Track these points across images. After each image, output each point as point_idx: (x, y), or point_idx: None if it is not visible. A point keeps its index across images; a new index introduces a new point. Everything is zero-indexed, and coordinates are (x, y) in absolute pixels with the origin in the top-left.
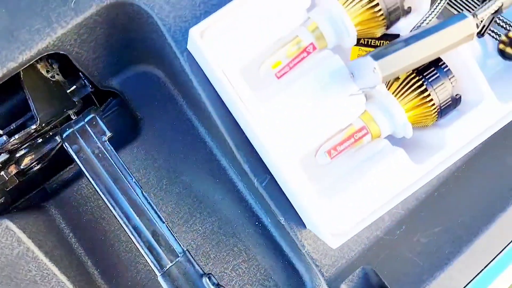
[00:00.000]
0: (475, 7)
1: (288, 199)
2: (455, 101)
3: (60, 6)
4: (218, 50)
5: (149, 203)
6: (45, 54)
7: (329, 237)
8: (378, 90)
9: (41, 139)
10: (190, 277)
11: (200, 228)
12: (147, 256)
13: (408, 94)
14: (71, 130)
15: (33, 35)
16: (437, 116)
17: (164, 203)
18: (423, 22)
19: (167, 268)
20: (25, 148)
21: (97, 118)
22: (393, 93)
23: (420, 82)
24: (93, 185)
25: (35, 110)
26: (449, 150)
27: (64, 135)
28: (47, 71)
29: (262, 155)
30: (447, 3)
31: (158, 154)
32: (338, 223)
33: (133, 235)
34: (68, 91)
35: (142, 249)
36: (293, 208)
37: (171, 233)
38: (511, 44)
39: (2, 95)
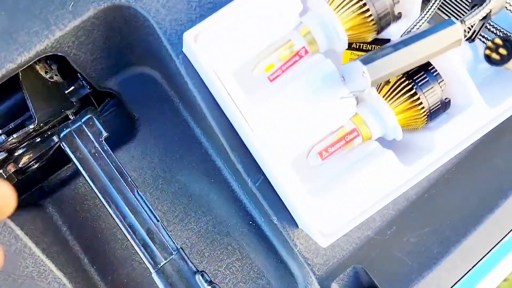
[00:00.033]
0: (465, 13)
1: (281, 199)
2: (445, 105)
3: (58, 9)
4: (211, 53)
5: (144, 201)
6: (43, 55)
7: (319, 236)
8: (369, 93)
9: (39, 139)
10: (183, 274)
11: (195, 226)
12: (142, 253)
13: (398, 98)
14: (68, 130)
15: (31, 37)
16: (426, 119)
17: (160, 202)
18: (413, 28)
19: (161, 265)
20: (23, 147)
21: (94, 118)
22: (383, 97)
23: (410, 86)
24: (89, 183)
25: (33, 110)
26: (437, 152)
27: (62, 135)
28: (46, 72)
29: (255, 156)
30: (438, 8)
31: (154, 154)
32: (328, 223)
33: (128, 233)
34: (66, 91)
35: (137, 246)
36: (286, 208)
37: (166, 231)
38: (497, 50)
39: (1, 95)
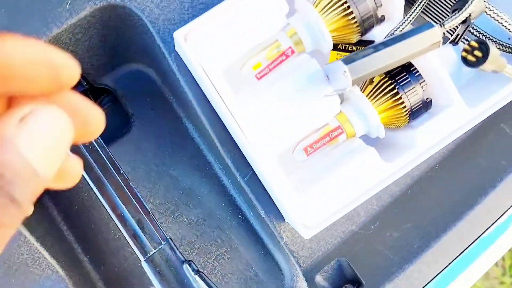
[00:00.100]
0: (447, 16)
1: (268, 194)
2: (426, 105)
3: (56, 7)
4: (201, 52)
5: (135, 193)
6: None
7: (302, 228)
8: (353, 92)
9: None
10: (172, 263)
11: (185, 219)
12: (132, 243)
13: (381, 97)
14: None
15: (30, 34)
16: (408, 118)
17: (152, 195)
18: (396, 30)
19: (150, 254)
20: None
21: None
22: (367, 96)
23: (393, 86)
24: (83, 175)
25: None
26: (418, 150)
27: None
28: None
29: (243, 151)
30: (422, 11)
31: (147, 148)
32: (311, 215)
33: (120, 223)
34: None
35: (128, 236)
36: (273, 202)
37: (156, 222)
38: (473, 52)
39: None
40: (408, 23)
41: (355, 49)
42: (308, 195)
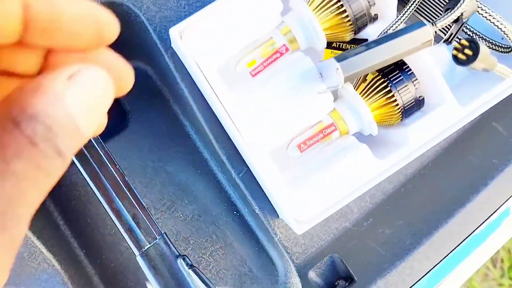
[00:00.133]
0: (440, 15)
1: (263, 190)
2: (419, 103)
3: None
4: (196, 49)
5: (131, 188)
6: None
7: (294, 223)
8: (347, 90)
9: None
10: (166, 258)
11: (181, 215)
12: (128, 237)
13: (374, 95)
14: None
15: None
16: (401, 116)
17: (148, 191)
18: (390, 29)
19: (145, 249)
20: None
21: None
22: (360, 94)
23: (385, 84)
24: (79, 170)
25: None
26: (410, 147)
27: None
28: None
29: (238, 147)
30: (415, 11)
31: (144, 144)
32: (303, 211)
33: (115, 217)
34: None
35: (123, 230)
36: (267, 198)
37: (151, 217)
38: (463, 50)
39: None
40: (401, 22)
41: (349, 48)
42: (301, 191)
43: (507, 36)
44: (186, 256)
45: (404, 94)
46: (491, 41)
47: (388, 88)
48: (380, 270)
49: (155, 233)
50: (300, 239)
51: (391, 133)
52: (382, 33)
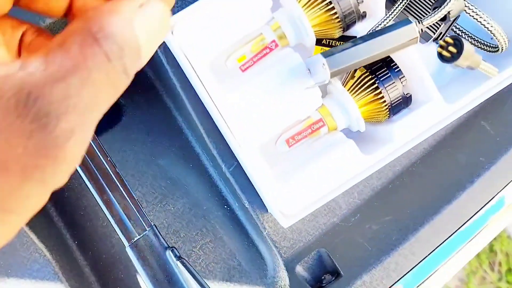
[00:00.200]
0: (428, 13)
1: (252, 185)
2: (406, 100)
3: None
4: (187, 43)
5: (122, 180)
6: None
7: (281, 216)
8: (335, 86)
9: None
10: (155, 249)
11: (172, 208)
12: (117, 228)
13: (361, 91)
14: None
15: None
16: (388, 112)
17: (140, 184)
18: (378, 27)
19: (134, 240)
20: None
21: None
22: (348, 90)
23: (373, 80)
24: None
25: None
26: (396, 143)
27: None
28: None
29: (227, 141)
30: (404, 9)
31: (137, 138)
32: (289, 204)
33: (106, 208)
34: None
35: (113, 221)
36: (257, 193)
37: (141, 208)
38: (448, 48)
39: None
40: (390, 20)
41: (338, 44)
42: (288, 185)
43: (494, 35)
44: (175, 248)
45: (392, 91)
46: (480, 40)
47: (376, 85)
48: (366, 265)
49: (144, 225)
50: (288, 234)
51: (378, 130)
52: (371, 31)
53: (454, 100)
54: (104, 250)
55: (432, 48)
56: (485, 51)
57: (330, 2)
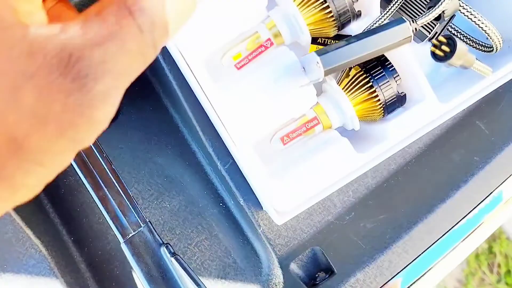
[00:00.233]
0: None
1: (247, 182)
2: (400, 99)
3: None
4: (182, 41)
5: (118, 176)
6: None
7: (274, 213)
8: (330, 85)
9: None
10: (150, 246)
11: (168, 205)
12: (112, 224)
13: (356, 90)
14: None
15: None
16: (383, 111)
17: (137, 181)
18: (373, 26)
19: (129, 236)
20: None
21: None
22: (343, 89)
23: (367, 79)
24: None
25: None
26: (389, 142)
27: None
28: None
29: (222, 138)
30: (400, 8)
31: (134, 136)
32: (283, 201)
33: (101, 204)
34: None
35: (108, 217)
36: (252, 190)
37: (136, 205)
38: (441, 46)
39: None
40: (385, 19)
41: (333, 43)
42: (282, 182)
43: (488, 35)
44: (169, 245)
45: (386, 90)
46: (475, 40)
47: (370, 84)
48: (359, 263)
49: (140, 221)
50: (283, 231)
51: (373, 129)
52: (365, 30)
53: (448, 99)
54: (100, 246)
55: (427, 48)
56: (480, 51)
57: (325, 1)
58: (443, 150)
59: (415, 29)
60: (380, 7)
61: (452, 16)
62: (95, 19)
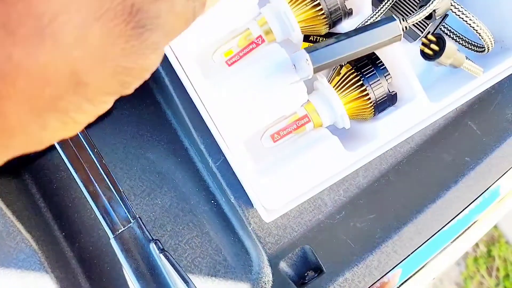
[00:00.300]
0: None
1: (238, 180)
2: (391, 98)
3: None
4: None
5: (109, 172)
6: None
7: (263, 210)
8: (321, 83)
9: None
10: (139, 242)
11: (159, 202)
12: (102, 220)
13: (347, 88)
14: None
15: None
16: (373, 110)
17: (129, 177)
18: (364, 24)
19: (119, 232)
20: None
21: None
22: (334, 87)
23: (358, 77)
24: (59, 152)
25: None
26: (379, 141)
27: None
28: None
29: (213, 135)
30: (392, 7)
31: (126, 131)
32: (272, 199)
33: (91, 200)
34: None
35: (98, 213)
36: (243, 188)
37: (126, 201)
38: (430, 45)
39: None
40: (376, 18)
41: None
42: (271, 180)
43: (480, 35)
44: (158, 241)
45: (377, 88)
46: (467, 40)
47: (361, 82)
48: (348, 262)
49: (130, 217)
50: (273, 230)
51: (364, 127)
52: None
53: (438, 99)
54: (91, 242)
55: (419, 47)
56: (473, 51)
57: None
58: (434, 150)
59: (406, 27)
60: (372, 5)
61: (445, 16)
62: None
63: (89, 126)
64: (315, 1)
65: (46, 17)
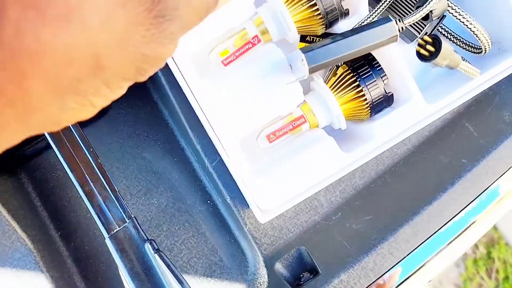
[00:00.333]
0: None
1: (234, 180)
2: (387, 99)
3: None
4: None
5: (104, 171)
6: None
7: (258, 212)
8: (318, 83)
9: None
10: (134, 241)
11: (155, 202)
12: (98, 219)
13: (343, 89)
14: None
15: None
16: (369, 111)
17: (125, 176)
18: (361, 24)
19: (114, 231)
20: None
21: None
22: (330, 87)
23: (354, 78)
24: (55, 151)
25: None
26: (375, 142)
27: None
28: None
29: (209, 135)
30: (389, 8)
31: (123, 131)
32: (267, 200)
33: (87, 199)
34: None
35: (94, 212)
36: (239, 188)
37: (122, 200)
38: (426, 46)
39: None
40: (373, 18)
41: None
42: (266, 181)
43: (477, 37)
44: (153, 241)
45: (373, 89)
46: (464, 41)
47: (357, 83)
48: (344, 264)
49: (125, 217)
50: (269, 231)
51: (360, 128)
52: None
53: (435, 100)
54: (86, 241)
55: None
56: (470, 52)
57: None
58: (431, 151)
59: (402, 28)
60: (369, 5)
61: (443, 17)
62: None
63: (85, 125)
64: (311, 1)
65: (75, 0)
